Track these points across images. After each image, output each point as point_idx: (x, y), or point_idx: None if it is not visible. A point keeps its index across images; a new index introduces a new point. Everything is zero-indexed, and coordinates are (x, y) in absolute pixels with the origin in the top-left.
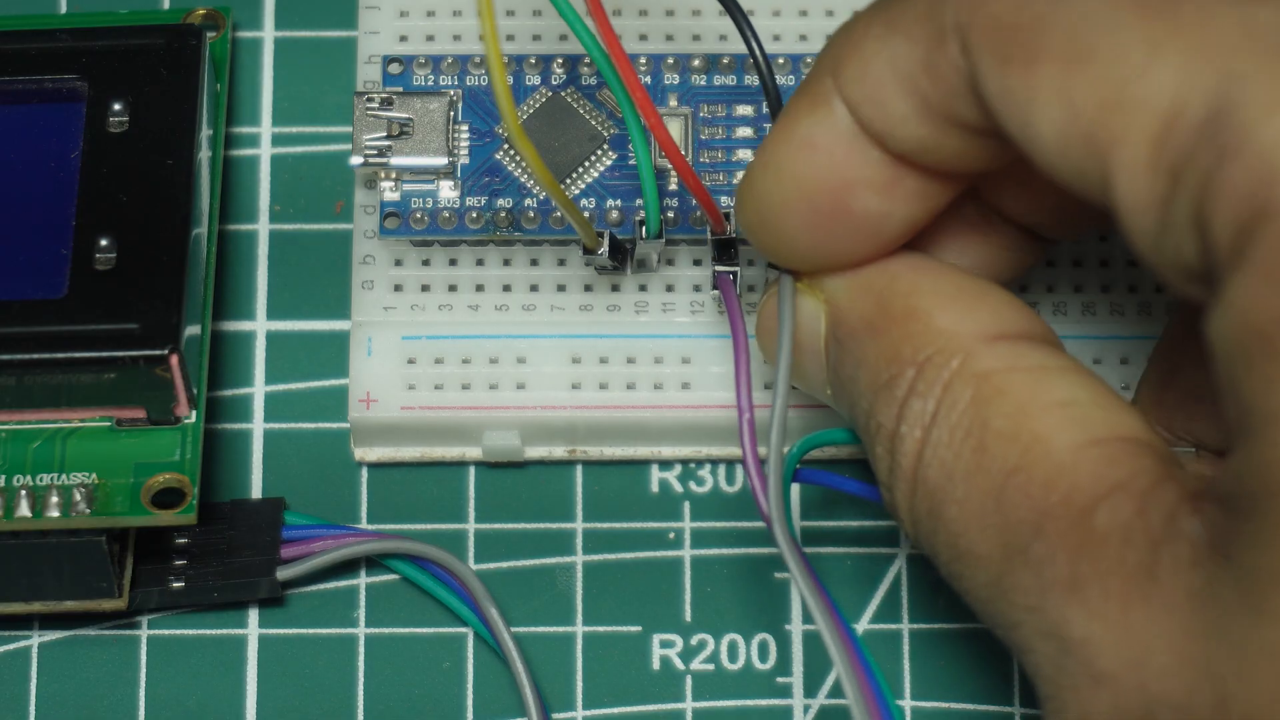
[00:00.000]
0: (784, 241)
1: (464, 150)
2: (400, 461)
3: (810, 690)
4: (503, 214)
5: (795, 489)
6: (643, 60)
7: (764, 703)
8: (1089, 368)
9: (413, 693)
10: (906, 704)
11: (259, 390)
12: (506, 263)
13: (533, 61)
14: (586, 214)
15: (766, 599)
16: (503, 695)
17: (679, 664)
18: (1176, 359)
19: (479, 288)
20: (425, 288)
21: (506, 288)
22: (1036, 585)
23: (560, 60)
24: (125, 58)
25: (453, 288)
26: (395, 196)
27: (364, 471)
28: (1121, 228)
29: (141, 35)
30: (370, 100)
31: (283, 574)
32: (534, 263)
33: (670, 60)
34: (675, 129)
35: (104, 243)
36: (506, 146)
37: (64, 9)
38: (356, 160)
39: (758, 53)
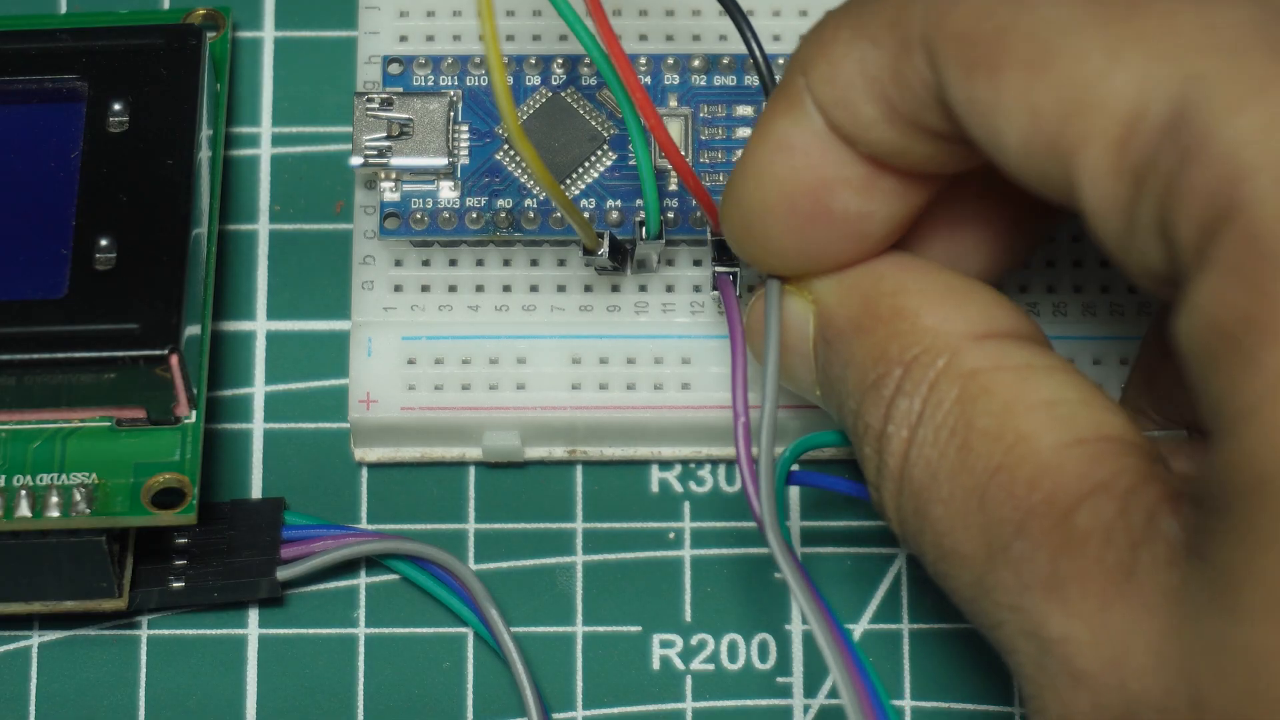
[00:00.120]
0: (769, 247)
1: (464, 151)
2: (400, 462)
3: (810, 690)
4: (503, 214)
5: (794, 490)
6: (642, 60)
7: (764, 703)
8: (1089, 368)
9: (413, 693)
10: (906, 704)
11: (259, 390)
12: (506, 263)
13: (533, 62)
14: (586, 214)
15: (766, 599)
16: (503, 695)
17: (679, 664)
18: (1167, 343)
19: (479, 288)
20: (425, 288)
21: (506, 288)
22: (1017, 584)
23: (560, 60)
24: (125, 58)
25: (453, 288)
26: (395, 197)
27: (364, 471)
28: (1090, 231)
29: (141, 35)
30: (370, 101)
31: (283, 574)
32: (534, 263)
33: (670, 60)
34: (675, 129)
35: (104, 243)
36: (506, 147)
37: (64, 9)
38: (356, 161)
39: (757, 53)
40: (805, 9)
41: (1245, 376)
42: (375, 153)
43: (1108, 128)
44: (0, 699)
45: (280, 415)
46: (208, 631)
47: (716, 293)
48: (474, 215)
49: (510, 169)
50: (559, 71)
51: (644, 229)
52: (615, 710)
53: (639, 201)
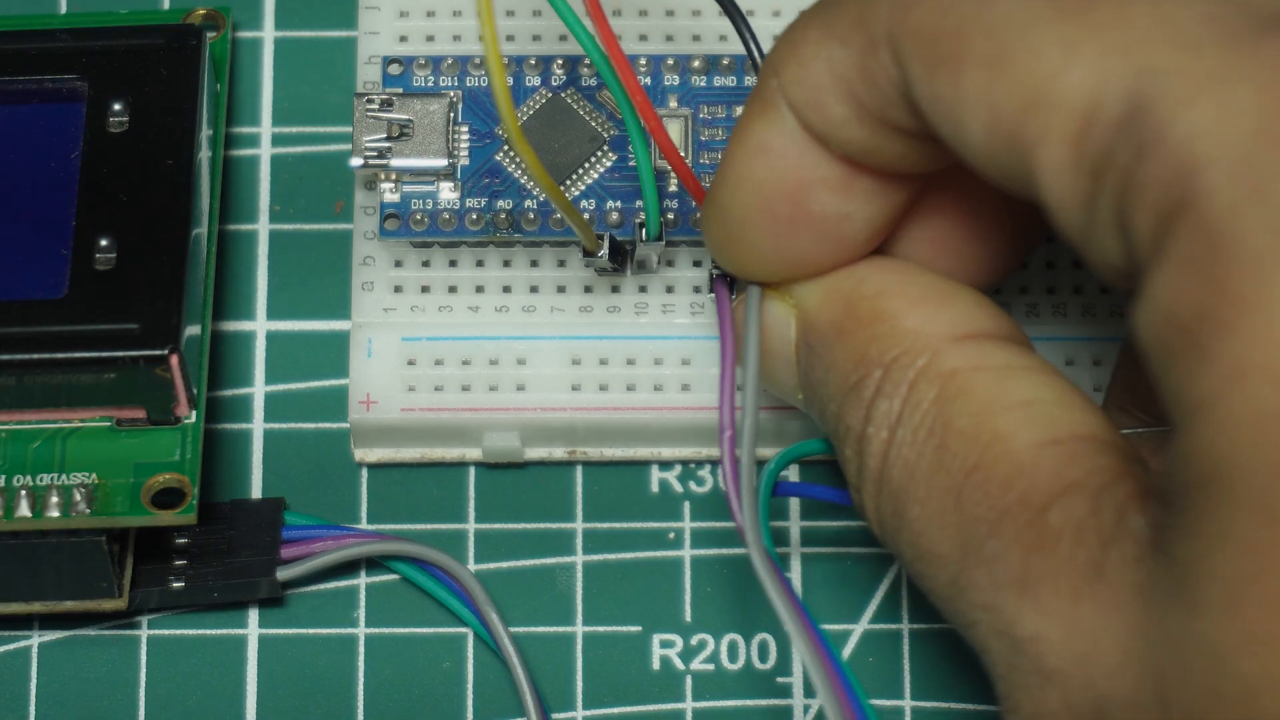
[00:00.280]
0: (750, 254)
1: (464, 152)
2: (400, 462)
3: (810, 690)
4: (502, 215)
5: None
6: (642, 61)
7: (764, 703)
8: (1089, 368)
9: (413, 693)
10: (906, 704)
11: (259, 390)
12: (506, 264)
13: (533, 62)
14: (586, 215)
15: (767, 599)
16: (502, 695)
17: (679, 664)
18: None
19: (479, 289)
20: (425, 289)
21: (506, 289)
22: (991, 583)
23: (560, 61)
24: (125, 58)
25: (453, 289)
26: (395, 198)
27: (364, 471)
28: (1053, 226)
29: (141, 35)
30: (370, 102)
31: (283, 574)
32: (534, 264)
33: (670, 61)
34: (675, 130)
35: (104, 243)
36: (506, 148)
37: (64, 9)
38: (356, 162)
39: (756, 54)
40: (805, 9)
41: (1201, 369)
42: (375, 154)
43: (1065, 123)
44: (0, 699)
45: (280, 415)
46: (208, 631)
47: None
48: (474, 216)
49: (510, 170)
50: (559, 72)
51: (644, 230)
52: (615, 710)
53: (639, 202)
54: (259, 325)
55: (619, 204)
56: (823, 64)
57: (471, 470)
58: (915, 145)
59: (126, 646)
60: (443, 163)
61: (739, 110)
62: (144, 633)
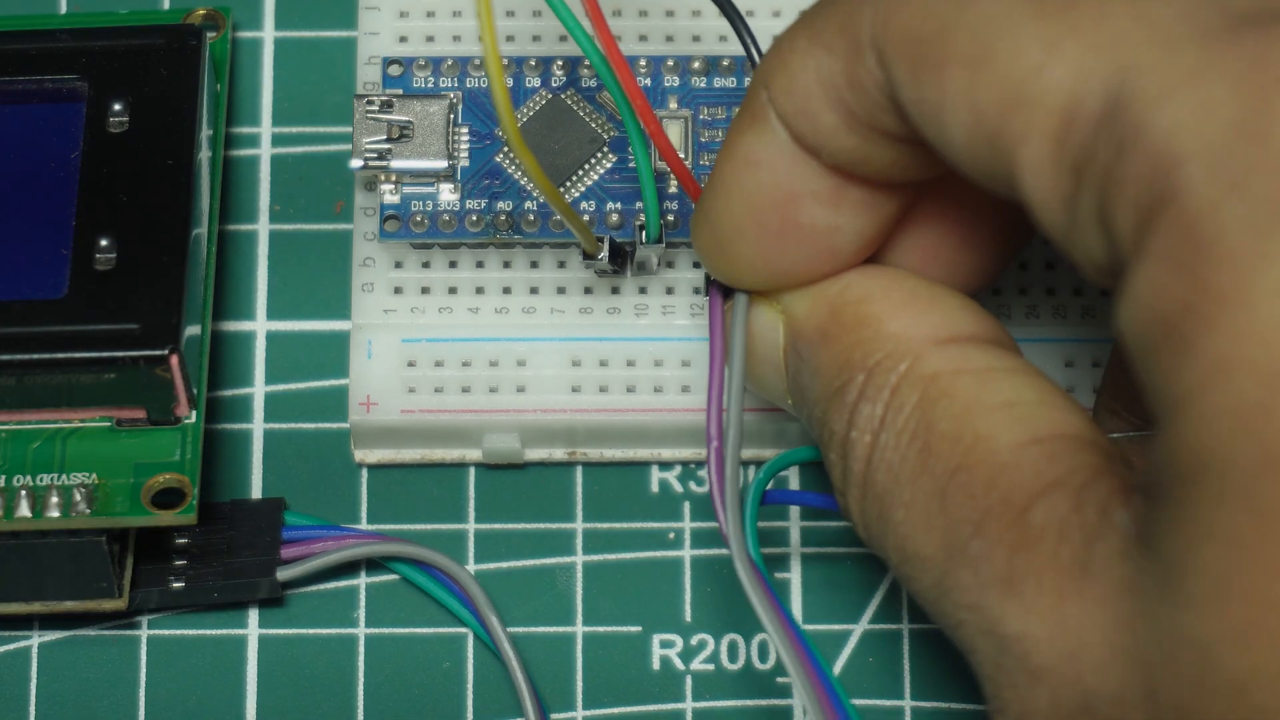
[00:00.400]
0: (740, 264)
1: (464, 153)
2: (400, 463)
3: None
4: (503, 217)
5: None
6: (642, 62)
7: (764, 703)
8: (1088, 370)
9: (413, 693)
10: (906, 704)
11: (259, 390)
12: (506, 265)
13: (533, 64)
14: (586, 217)
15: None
16: (502, 696)
17: (679, 664)
18: None
19: (479, 290)
20: (425, 290)
21: (506, 290)
22: (976, 584)
23: (560, 62)
24: (125, 58)
25: (453, 290)
26: (395, 199)
27: (364, 471)
28: (1036, 225)
29: (141, 35)
30: (370, 103)
31: (283, 574)
32: (534, 265)
33: (670, 62)
34: (675, 132)
35: (104, 243)
36: (507, 149)
37: (64, 9)
38: (356, 163)
39: (755, 55)
40: (805, 9)
41: (1183, 364)
42: (375, 155)
43: (1045, 121)
44: (0, 699)
45: (280, 415)
46: (208, 631)
47: None
48: (474, 218)
49: (510, 171)
50: (559, 73)
51: (644, 233)
52: (615, 710)
53: (639, 204)
54: (259, 325)
55: (619, 205)
56: (811, 73)
57: (471, 470)
58: (904, 152)
59: (126, 646)
60: (443, 164)
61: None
62: (144, 633)
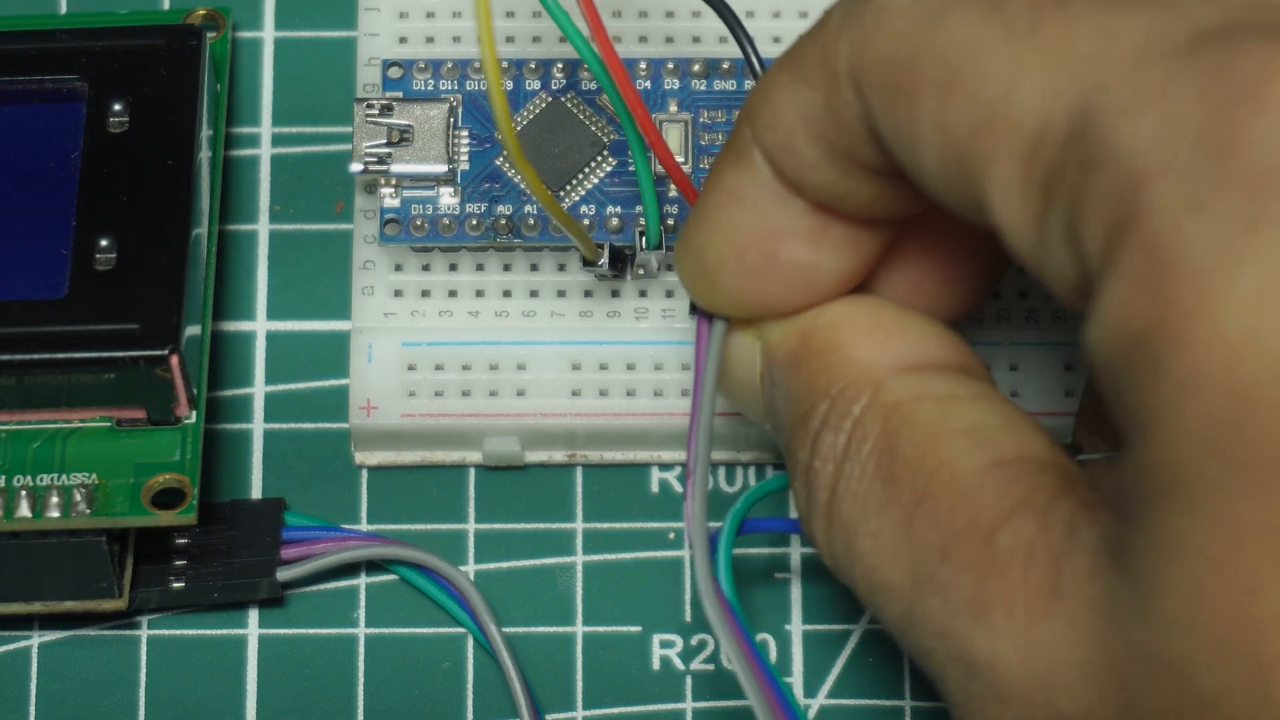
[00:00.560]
0: (721, 294)
1: (464, 156)
2: (401, 465)
3: (810, 690)
4: (503, 220)
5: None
6: (642, 65)
7: None
8: (1086, 377)
9: (412, 693)
10: (906, 704)
11: (259, 390)
12: (506, 269)
13: (532, 66)
14: (586, 221)
15: (766, 599)
16: (502, 696)
17: (679, 664)
18: None
19: (479, 294)
20: (425, 294)
21: (506, 294)
22: (944, 610)
23: (560, 65)
24: (125, 58)
25: (453, 294)
26: (395, 203)
27: (364, 471)
28: (1007, 248)
29: (141, 35)
30: (370, 107)
31: (283, 575)
32: (534, 268)
33: (670, 65)
34: (675, 135)
35: (104, 243)
36: (506, 153)
37: (64, 9)
38: (356, 167)
39: (755, 59)
40: (805, 10)
41: (1152, 382)
42: (375, 159)
43: (1014, 142)
44: (0, 699)
45: (280, 416)
46: (208, 631)
47: None
48: (474, 221)
49: (510, 175)
50: (559, 76)
51: (644, 238)
52: (615, 710)
53: (639, 208)
54: (259, 325)
55: (619, 209)
56: (792, 108)
57: (471, 471)
58: (885, 186)
59: (126, 646)
60: (443, 168)
61: (738, 114)
62: (144, 633)
